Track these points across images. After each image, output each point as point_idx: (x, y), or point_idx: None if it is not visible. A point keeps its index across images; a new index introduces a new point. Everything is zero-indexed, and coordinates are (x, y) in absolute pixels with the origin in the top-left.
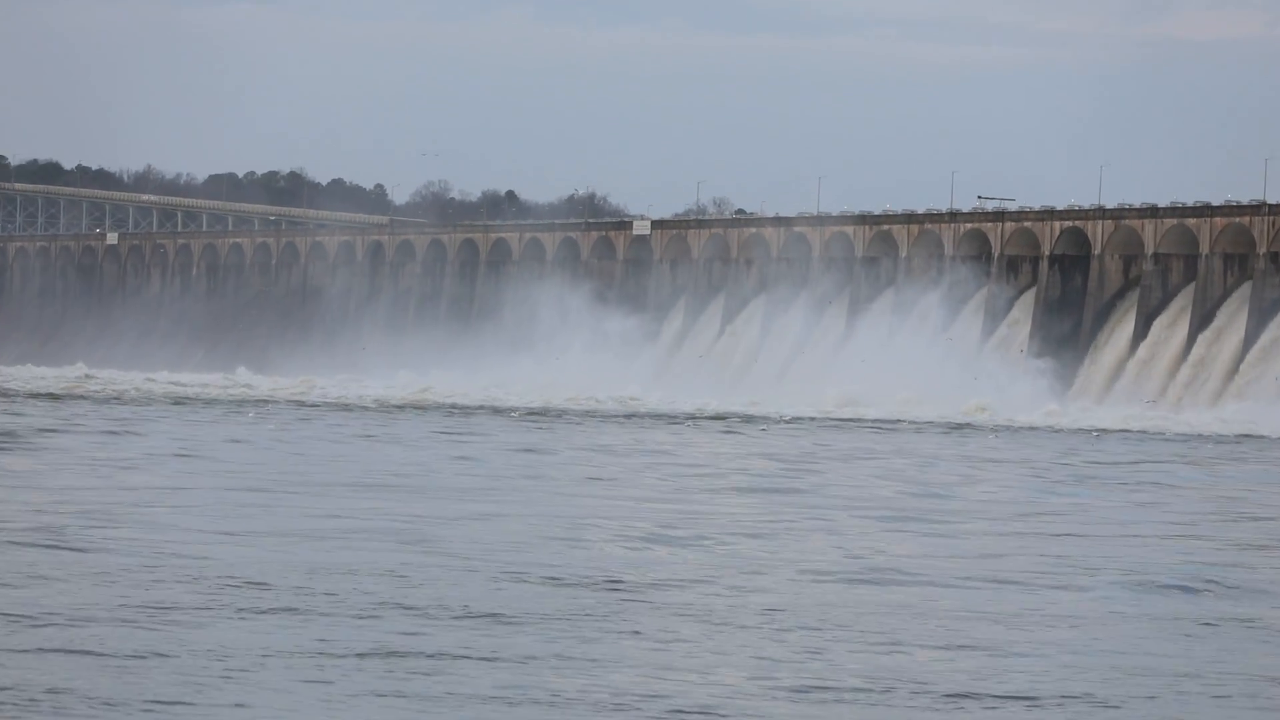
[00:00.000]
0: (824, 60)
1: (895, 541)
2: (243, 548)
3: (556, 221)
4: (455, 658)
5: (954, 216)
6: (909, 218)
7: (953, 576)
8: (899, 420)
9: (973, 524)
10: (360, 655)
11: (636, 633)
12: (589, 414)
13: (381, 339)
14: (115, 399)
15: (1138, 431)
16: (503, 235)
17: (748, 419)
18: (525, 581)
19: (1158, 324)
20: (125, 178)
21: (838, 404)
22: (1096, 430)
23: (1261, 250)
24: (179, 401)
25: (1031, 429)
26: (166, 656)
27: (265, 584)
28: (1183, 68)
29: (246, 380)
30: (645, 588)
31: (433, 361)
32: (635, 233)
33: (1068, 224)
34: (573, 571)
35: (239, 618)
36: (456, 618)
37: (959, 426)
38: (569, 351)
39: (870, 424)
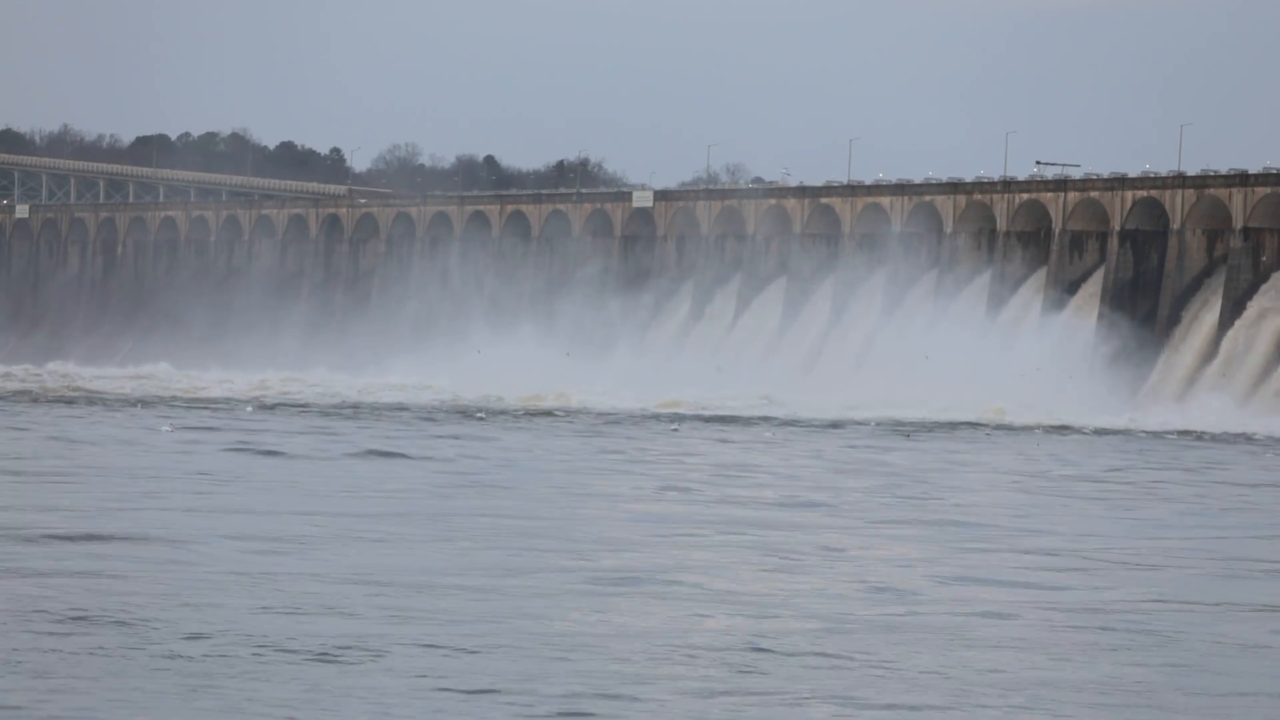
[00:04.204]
0: (854, 3)
1: None
2: None
3: (543, 192)
4: None
5: (1008, 186)
6: (955, 187)
7: None
8: (934, 423)
9: None
10: None
11: None
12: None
13: (324, 333)
14: None
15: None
16: (480, 208)
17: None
18: None
19: (1248, 311)
20: (38, 139)
21: (870, 406)
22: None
23: None
24: None
25: (1103, 433)
26: None
27: None
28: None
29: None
30: None
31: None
32: (635, 205)
33: (1142, 194)
34: None
35: None
36: None
37: (1005, 428)
38: (554, 341)
39: (916, 429)
